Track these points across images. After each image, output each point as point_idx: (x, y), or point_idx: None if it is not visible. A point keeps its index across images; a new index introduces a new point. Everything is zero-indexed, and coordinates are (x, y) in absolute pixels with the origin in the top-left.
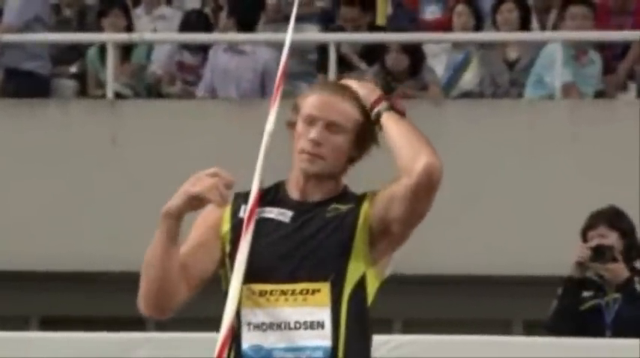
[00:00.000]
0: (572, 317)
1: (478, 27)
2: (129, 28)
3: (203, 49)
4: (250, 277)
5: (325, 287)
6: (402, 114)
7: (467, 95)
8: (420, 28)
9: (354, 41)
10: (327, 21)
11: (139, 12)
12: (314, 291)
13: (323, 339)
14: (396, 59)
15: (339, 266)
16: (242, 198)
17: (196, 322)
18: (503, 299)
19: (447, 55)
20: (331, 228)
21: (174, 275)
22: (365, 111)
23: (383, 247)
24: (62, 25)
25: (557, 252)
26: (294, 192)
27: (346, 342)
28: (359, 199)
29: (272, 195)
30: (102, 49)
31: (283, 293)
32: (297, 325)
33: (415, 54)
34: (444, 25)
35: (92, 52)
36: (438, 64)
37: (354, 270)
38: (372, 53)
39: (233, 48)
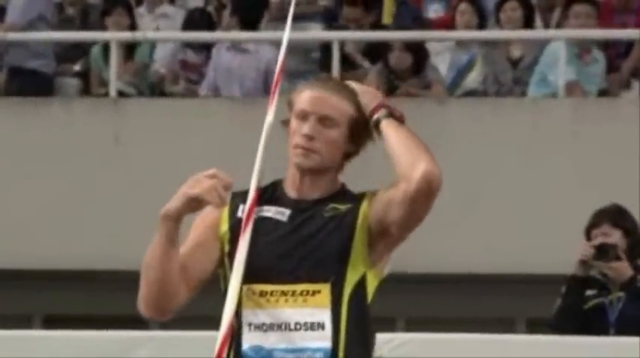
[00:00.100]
0: (576, 315)
1: (481, 25)
2: (132, 27)
3: (206, 48)
4: (250, 277)
5: (325, 289)
6: (401, 121)
7: (470, 93)
8: (423, 27)
9: (357, 39)
10: (331, 19)
11: (142, 10)
12: (314, 292)
13: (323, 340)
14: (400, 57)
15: (338, 267)
16: (240, 197)
17: (198, 321)
18: (506, 298)
19: (451, 54)
20: (330, 229)
21: (174, 277)
22: (359, 107)
23: (381, 248)
24: (65, 24)
25: (559, 250)
26: (291, 191)
27: (346, 344)
28: (358, 199)
29: (269, 193)
30: (105, 47)
31: (284, 293)
32: (298, 326)
33: (418, 52)
34: (448, 24)
35: (95, 51)
36: (441, 63)
37: (354, 271)
38: (376, 51)
39: (236, 46)
